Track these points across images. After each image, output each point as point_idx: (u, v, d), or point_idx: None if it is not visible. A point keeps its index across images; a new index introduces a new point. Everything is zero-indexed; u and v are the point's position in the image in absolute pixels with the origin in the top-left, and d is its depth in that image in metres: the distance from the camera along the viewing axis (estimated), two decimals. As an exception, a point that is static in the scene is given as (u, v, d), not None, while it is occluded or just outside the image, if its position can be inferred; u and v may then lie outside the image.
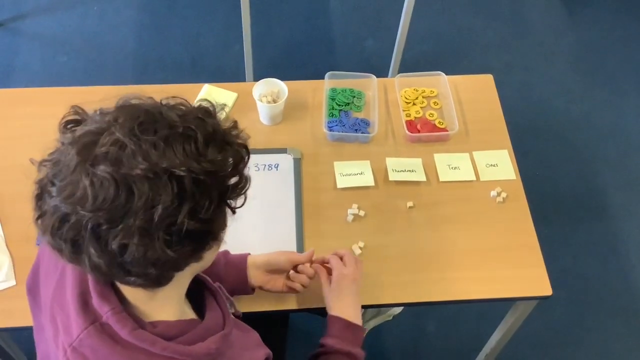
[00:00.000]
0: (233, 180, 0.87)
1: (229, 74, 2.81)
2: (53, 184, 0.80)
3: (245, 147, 0.90)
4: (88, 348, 0.88)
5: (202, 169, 0.80)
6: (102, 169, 0.76)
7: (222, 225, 0.89)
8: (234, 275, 1.31)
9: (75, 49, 2.93)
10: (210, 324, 0.95)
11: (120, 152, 0.77)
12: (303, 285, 1.35)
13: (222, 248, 0.97)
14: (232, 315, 1.00)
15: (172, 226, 0.79)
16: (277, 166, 1.63)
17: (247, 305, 1.40)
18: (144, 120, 0.80)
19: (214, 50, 2.96)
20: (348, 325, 1.27)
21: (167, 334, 0.88)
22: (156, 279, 0.85)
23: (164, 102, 0.86)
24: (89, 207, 0.77)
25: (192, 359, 0.88)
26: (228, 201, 0.87)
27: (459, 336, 2.21)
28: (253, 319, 1.47)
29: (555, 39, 3.13)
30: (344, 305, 1.30)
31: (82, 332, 0.88)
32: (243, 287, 1.33)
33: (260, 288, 1.35)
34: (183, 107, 0.86)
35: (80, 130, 0.82)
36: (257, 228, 1.53)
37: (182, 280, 0.93)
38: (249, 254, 1.35)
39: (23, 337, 1.73)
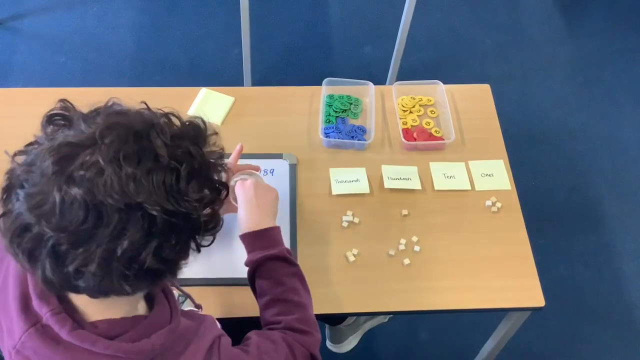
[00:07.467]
0: (206, 219, 0.85)
1: (227, 77, 2.80)
2: (22, 187, 0.78)
3: (226, 185, 0.89)
4: (30, 350, 0.87)
5: (177, 210, 0.78)
6: (76, 190, 0.74)
7: (184, 262, 0.87)
8: None
9: (73, 49, 2.92)
10: (156, 319, 0.92)
11: (97, 178, 0.75)
12: None
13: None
14: (180, 308, 0.98)
15: (133, 261, 0.77)
16: (272, 171, 1.63)
17: (231, 311, 1.40)
18: (130, 146, 0.77)
19: (213, 53, 2.96)
20: (255, 235, 1.25)
21: (109, 333, 0.86)
22: (105, 295, 0.84)
23: (155, 120, 0.82)
24: (53, 224, 0.75)
25: (136, 356, 0.86)
26: (197, 238, 0.86)
27: (452, 345, 2.20)
28: (236, 322, 1.47)
29: (553, 50, 3.13)
30: (248, 216, 1.27)
31: (24, 334, 0.87)
32: None
33: None
34: (174, 127, 0.84)
35: (61, 136, 0.79)
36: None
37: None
38: None
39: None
